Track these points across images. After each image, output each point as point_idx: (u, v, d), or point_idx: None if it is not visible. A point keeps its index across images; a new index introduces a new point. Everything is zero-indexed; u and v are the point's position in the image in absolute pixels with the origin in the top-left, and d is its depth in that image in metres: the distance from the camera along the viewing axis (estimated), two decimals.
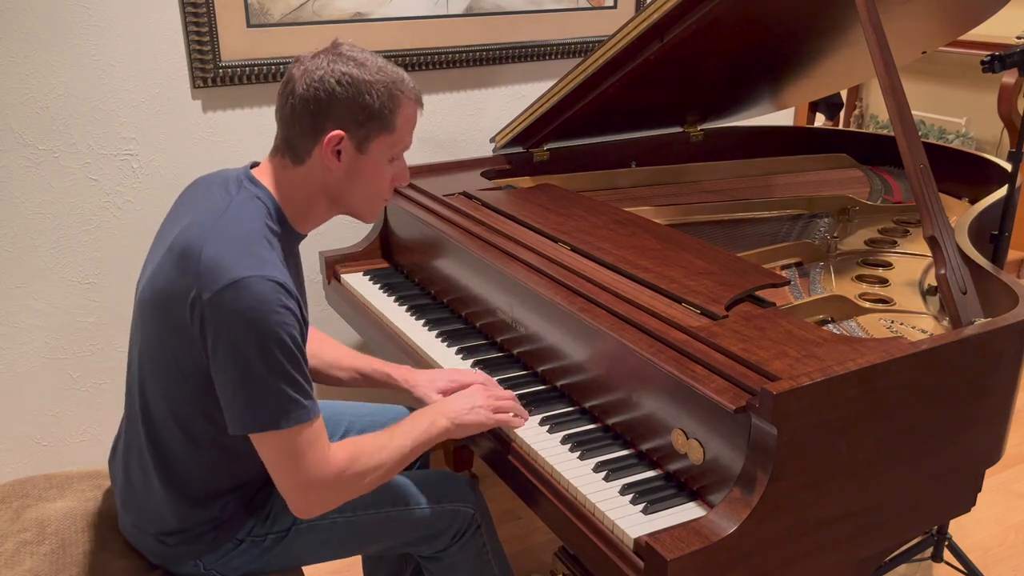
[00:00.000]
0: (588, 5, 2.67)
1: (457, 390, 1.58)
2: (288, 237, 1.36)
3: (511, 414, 1.49)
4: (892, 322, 1.60)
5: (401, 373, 1.63)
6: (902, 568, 2.20)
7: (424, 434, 1.42)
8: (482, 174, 2.24)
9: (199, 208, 1.33)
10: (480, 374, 1.63)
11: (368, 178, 1.36)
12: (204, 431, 1.33)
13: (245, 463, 1.37)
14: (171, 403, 1.33)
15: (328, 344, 1.69)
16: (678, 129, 2.54)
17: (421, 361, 1.77)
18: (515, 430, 1.49)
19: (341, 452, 1.31)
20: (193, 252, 1.24)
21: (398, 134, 1.35)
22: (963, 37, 2.31)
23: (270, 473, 1.29)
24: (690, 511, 1.27)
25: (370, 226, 2.34)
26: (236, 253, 1.23)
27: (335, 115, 1.29)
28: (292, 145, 1.33)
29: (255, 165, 1.40)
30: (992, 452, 1.46)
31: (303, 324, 1.29)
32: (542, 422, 1.51)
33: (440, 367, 1.71)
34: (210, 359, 1.24)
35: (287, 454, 1.26)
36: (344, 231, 2.46)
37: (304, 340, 1.30)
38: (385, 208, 2.20)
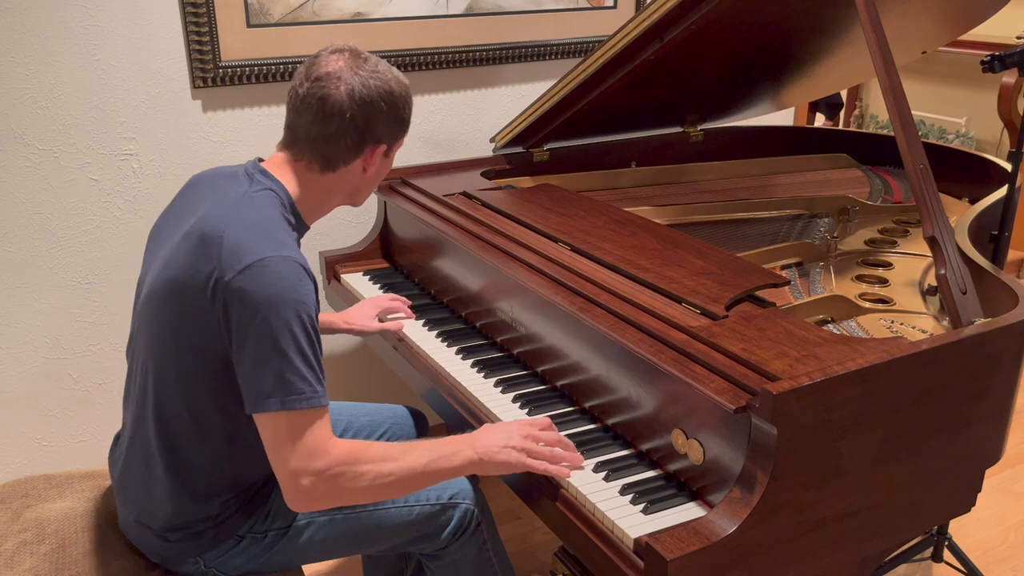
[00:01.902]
0: (588, 5, 2.67)
1: (389, 310, 1.86)
2: (299, 229, 1.42)
3: (565, 465, 1.36)
4: (892, 322, 1.60)
5: (338, 315, 1.87)
6: (902, 568, 2.20)
7: (444, 460, 1.34)
8: (482, 174, 2.24)
9: (211, 199, 1.37)
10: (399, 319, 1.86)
11: (383, 174, 1.51)
12: (216, 425, 1.35)
13: (250, 459, 1.38)
14: (186, 394, 1.34)
15: None
16: (678, 129, 2.54)
17: (421, 361, 1.77)
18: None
19: (343, 446, 1.30)
20: (214, 238, 1.27)
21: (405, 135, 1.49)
22: (963, 37, 2.31)
23: (268, 456, 1.28)
24: (690, 511, 1.27)
25: (370, 226, 2.34)
26: (258, 237, 1.27)
27: (379, 130, 1.40)
28: (328, 157, 1.40)
29: (260, 160, 1.44)
30: (992, 452, 1.46)
31: (318, 310, 1.33)
32: None
33: (440, 367, 1.71)
34: (232, 339, 1.26)
35: (288, 435, 1.25)
36: (344, 231, 2.46)
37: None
38: (385, 208, 2.20)
